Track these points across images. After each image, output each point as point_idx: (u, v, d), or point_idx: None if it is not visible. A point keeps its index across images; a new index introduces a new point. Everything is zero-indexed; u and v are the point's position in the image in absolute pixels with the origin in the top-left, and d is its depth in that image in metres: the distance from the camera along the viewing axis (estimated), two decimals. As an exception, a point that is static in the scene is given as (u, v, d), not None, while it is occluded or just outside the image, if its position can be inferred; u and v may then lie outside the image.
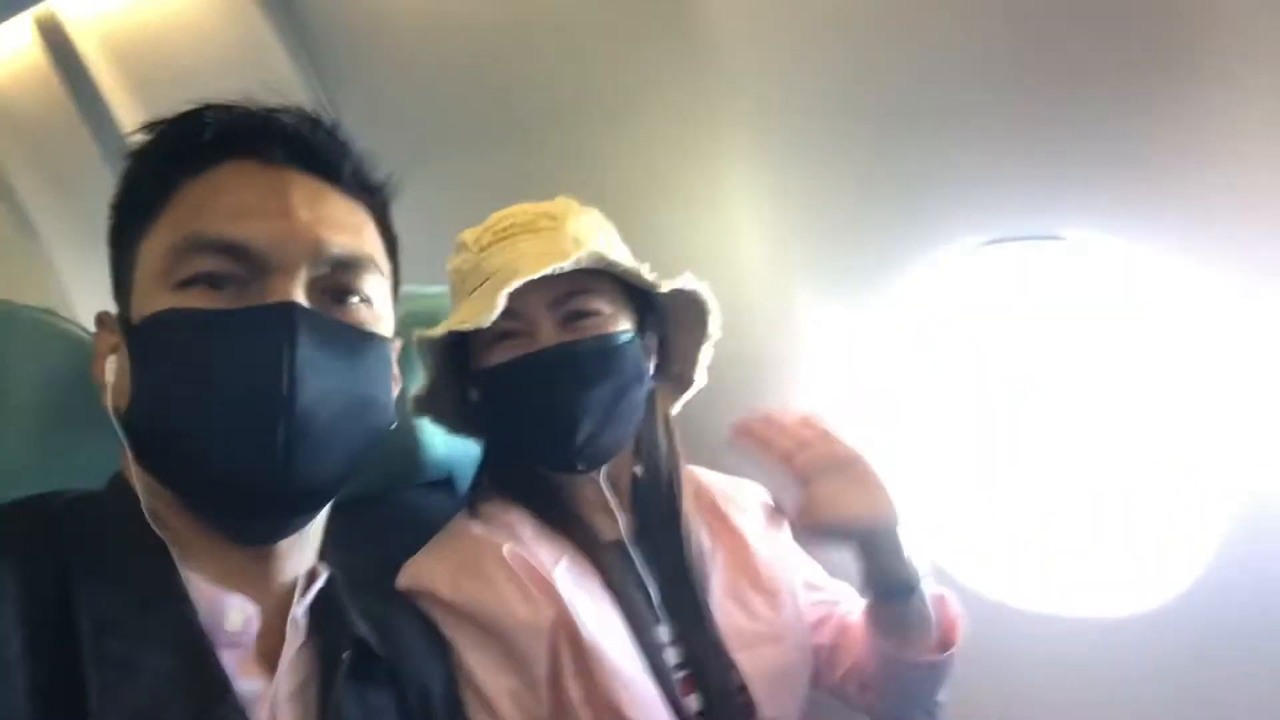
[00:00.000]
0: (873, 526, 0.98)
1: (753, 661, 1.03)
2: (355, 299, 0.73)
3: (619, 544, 1.05)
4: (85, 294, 2.73)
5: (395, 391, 0.81)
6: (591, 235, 1.03)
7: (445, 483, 1.27)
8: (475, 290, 1.00)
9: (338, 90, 1.84)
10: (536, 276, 0.92)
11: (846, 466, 0.99)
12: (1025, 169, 1.22)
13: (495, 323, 0.93)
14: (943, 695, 1.08)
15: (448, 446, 1.24)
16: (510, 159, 1.73)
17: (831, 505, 0.97)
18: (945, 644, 1.04)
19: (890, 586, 1.01)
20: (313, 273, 0.69)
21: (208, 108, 0.71)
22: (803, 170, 1.39)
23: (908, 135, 1.27)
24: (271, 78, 1.86)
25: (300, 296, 0.67)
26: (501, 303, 0.91)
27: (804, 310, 1.50)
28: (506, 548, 0.97)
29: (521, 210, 1.05)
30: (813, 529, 1.00)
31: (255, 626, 0.70)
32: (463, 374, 1.06)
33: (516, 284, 0.92)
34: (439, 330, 0.98)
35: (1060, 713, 1.41)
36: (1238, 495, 1.24)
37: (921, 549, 1.01)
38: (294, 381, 0.64)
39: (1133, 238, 1.21)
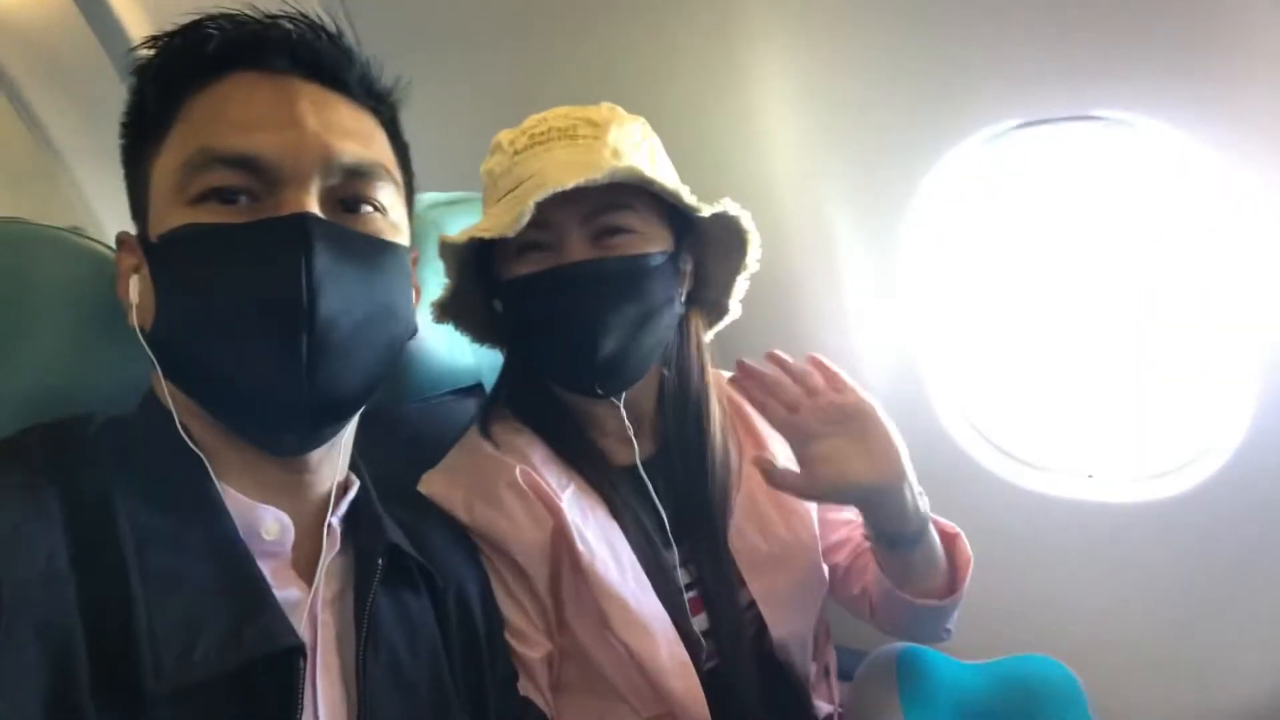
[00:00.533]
0: (875, 488, 0.94)
1: (765, 584, 1.03)
2: (369, 208, 0.72)
3: (632, 469, 1.03)
4: (110, 212, 2.74)
5: (415, 301, 0.81)
6: (632, 148, 0.98)
7: (476, 389, 1.28)
8: (506, 195, 0.96)
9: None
10: (567, 189, 0.87)
11: (853, 420, 0.94)
12: (1058, 48, 1.17)
13: (522, 232, 0.89)
14: (954, 621, 1.08)
15: (476, 354, 1.24)
16: (530, 63, 1.68)
17: (833, 465, 0.93)
18: (953, 587, 1.03)
19: (893, 537, 0.99)
20: (325, 183, 0.68)
21: (209, 19, 0.70)
22: (834, 70, 1.35)
23: (937, 20, 1.22)
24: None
25: (314, 207, 0.67)
26: (528, 213, 0.87)
27: (838, 226, 1.47)
28: (519, 470, 0.96)
29: (561, 114, 0.99)
30: (811, 490, 0.96)
31: (291, 536, 0.71)
32: (487, 282, 1.03)
33: (545, 194, 0.87)
34: (462, 236, 0.94)
35: (1097, 597, 1.43)
36: (1269, 373, 1.24)
37: (923, 498, 0.98)
38: (313, 292, 0.64)
39: (1169, 119, 1.17)
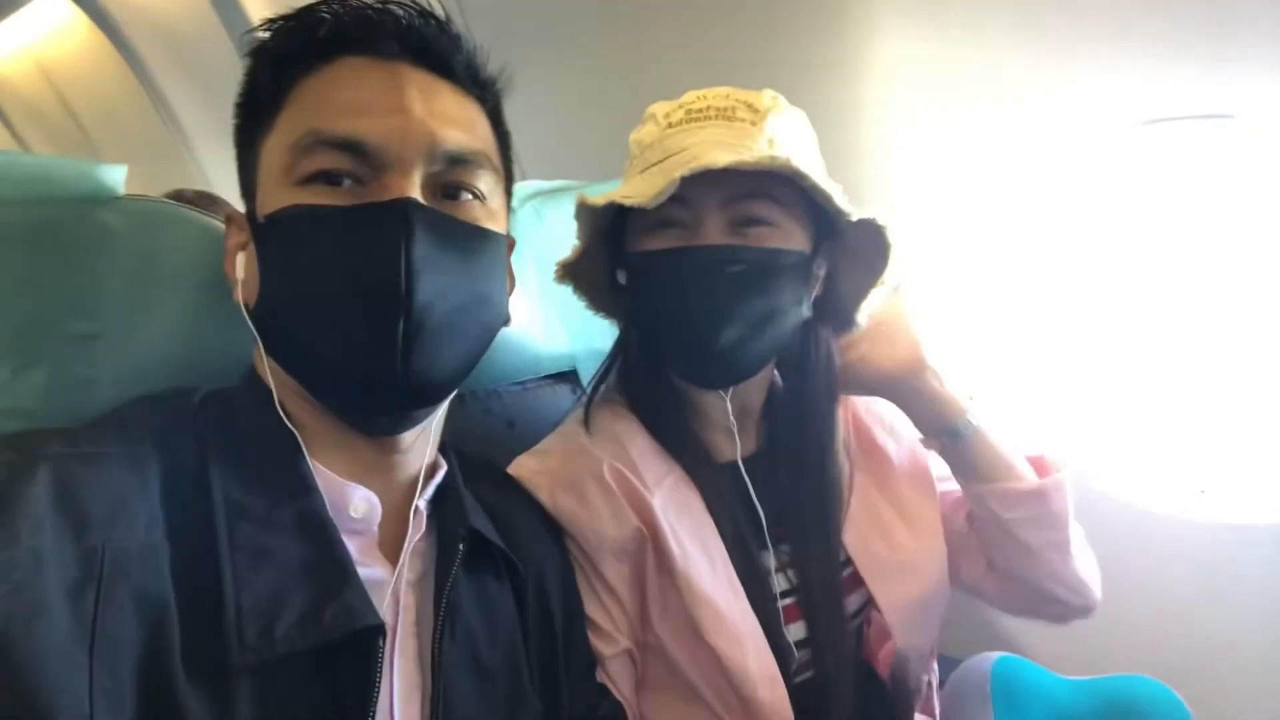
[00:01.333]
0: (896, 376, 1.02)
1: (891, 592, 1.00)
2: (469, 195, 0.73)
3: (733, 465, 1.01)
4: (229, 190, 2.86)
5: (510, 290, 0.82)
6: (789, 139, 0.93)
7: (570, 375, 1.29)
8: (652, 166, 0.92)
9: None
10: (717, 167, 0.83)
11: (878, 326, 1.03)
12: (1193, 44, 1.11)
13: (661, 207, 0.86)
14: (1079, 576, 1.01)
15: (571, 341, 1.25)
16: (635, 55, 1.68)
17: (861, 362, 1.02)
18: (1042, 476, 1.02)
19: (942, 429, 1.02)
20: (428, 169, 0.69)
21: (322, 3, 0.71)
22: (964, 58, 1.31)
23: (1071, 12, 1.17)
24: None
25: (416, 192, 0.67)
26: (673, 186, 0.84)
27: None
28: (607, 465, 0.94)
29: (722, 94, 0.95)
30: (843, 380, 1.03)
31: (378, 515, 0.72)
32: (615, 251, 1.00)
33: (694, 169, 0.83)
34: (601, 199, 0.91)
35: (1205, 618, 1.36)
36: None
37: (970, 400, 1.04)
38: (411, 277, 0.65)
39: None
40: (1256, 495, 1.33)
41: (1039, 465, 1.04)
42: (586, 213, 0.94)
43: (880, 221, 0.94)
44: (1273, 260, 1.30)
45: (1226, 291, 1.35)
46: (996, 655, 1.09)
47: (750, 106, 0.93)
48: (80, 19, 3.09)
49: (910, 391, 1.02)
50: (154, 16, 2.87)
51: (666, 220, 0.91)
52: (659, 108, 0.97)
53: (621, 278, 0.98)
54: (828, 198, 0.89)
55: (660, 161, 0.91)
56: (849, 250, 0.99)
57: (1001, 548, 1.03)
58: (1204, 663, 1.33)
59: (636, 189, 0.88)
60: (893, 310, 1.03)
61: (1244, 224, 1.31)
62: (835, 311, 1.05)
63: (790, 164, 0.85)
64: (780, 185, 0.89)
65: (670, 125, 0.94)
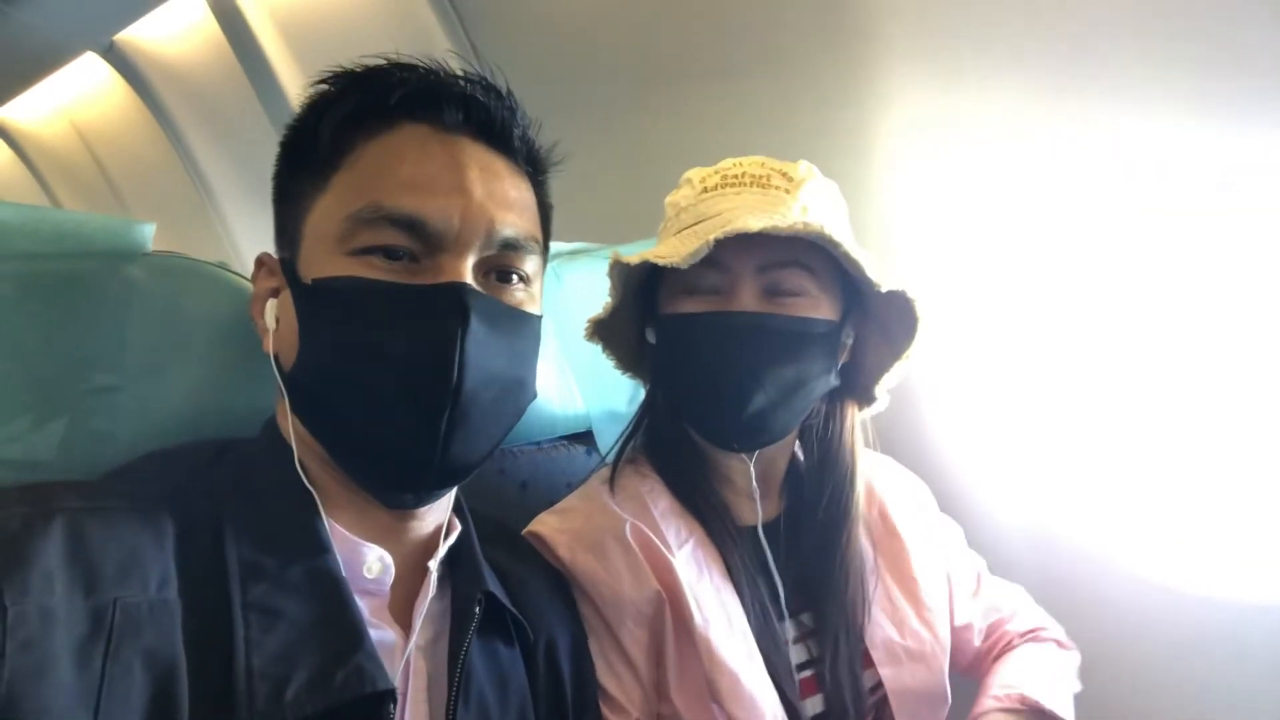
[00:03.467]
0: None
1: (899, 678, 0.98)
2: (516, 278, 0.74)
3: (753, 530, 1.00)
4: (253, 251, 2.91)
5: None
6: (822, 208, 0.95)
7: (585, 435, 1.29)
8: (685, 230, 0.93)
9: (481, 44, 1.87)
10: (752, 231, 0.85)
11: None
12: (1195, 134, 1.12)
13: (694, 269, 0.88)
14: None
15: (586, 402, 1.25)
16: (655, 120, 1.71)
17: None
18: None
19: None
20: (482, 254, 0.70)
21: (392, 66, 0.72)
22: (964, 134, 1.32)
23: (1081, 94, 1.18)
24: (423, 37, 1.91)
25: (469, 277, 0.68)
26: (707, 248, 0.85)
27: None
28: (629, 525, 0.93)
29: (758, 162, 0.97)
30: None
31: (391, 575, 0.71)
32: (647, 310, 1.01)
33: (729, 232, 0.85)
34: (635, 258, 0.92)
35: (1236, 698, 1.32)
36: None
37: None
38: (463, 367, 0.65)
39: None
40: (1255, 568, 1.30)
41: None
42: (620, 271, 0.95)
43: (911, 294, 0.94)
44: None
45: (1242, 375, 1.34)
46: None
47: (785, 175, 0.95)
48: (116, 81, 3.18)
49: None
50: (188, 81, 2.95)
51: (700, 284, 0.92)
52: (695, 173, 0.99)
53: (651, 337, 0.99)
54: (859, 267, 0.89)
55: (695, 225, 0.93)
56: (876, 322, 1.00)
57: None
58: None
59: (671, 249, 0.90)
60: None
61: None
62: (856, 383, 1.05)
63: (824, 231, 0.86)
64: (812, 254, 0.90)
65: (706, 190, 0.95)
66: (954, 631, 1.07)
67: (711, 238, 0.85)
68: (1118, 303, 1.37)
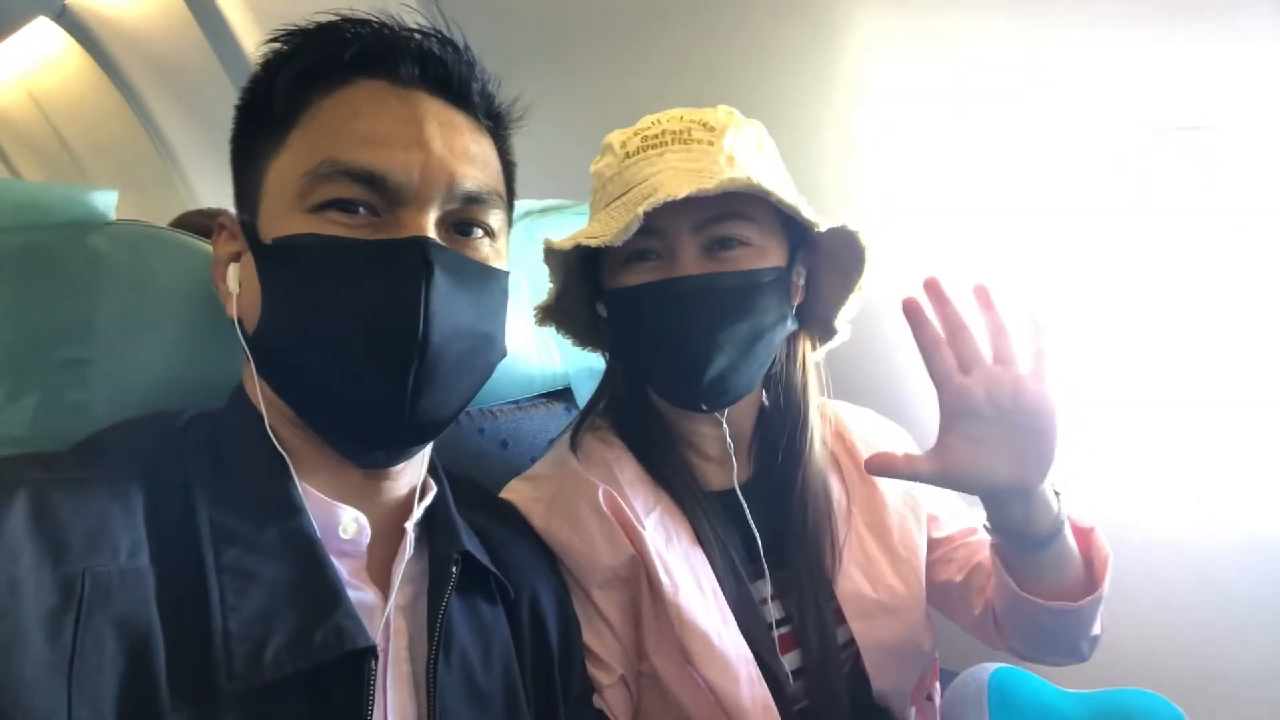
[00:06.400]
0: (1013, 490, 0.84)
1: (870, 632, 0.97)
2: (479, 232, 0.73)
3: (727, 492, 0.99)
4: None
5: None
6: (749, 154, 0.92)
7: (565, 393, 1.29)
8: (615, 201, 0.91)
9: (448, 2, 1.83)
10: (679, 198, 0.82)
11: (1027, 414, 0.80)
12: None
13: (632, 240, 0.85)
14: (1097, 628, 0.94)
15: (565, 359, 1.25)
16: (622, 69, 1.69)
17: (979, 454, 0.82)
18: (1091, 586, 0.89)
19: (1020, 537, 0.87)
20: (444, 207, 0.69)
21: (345, 21, 0.70)
22: (950, 67, 1.31)
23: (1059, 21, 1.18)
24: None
25: (432, 231, 0.68)
26: (637, 223, 0.83)
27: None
28: (602, 490, 0.93)
29: (675, 116, 0.94)
30: (938, 472, 0.84)
31: (367, 536, 0.71)
32: (592, 286, 0.99)
33: (654, 204, 0.82)
34: (567, 242, 0.90)
35: (1206, 630, 1.36)
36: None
37: (1061, 491, 0.87)
38: (428, 322, 0.65)
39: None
40: (1254, 504, 1.33)
41: (1086, 541, 0.92)
42: (555, 256, 0.92)
43: (852, 227, 0.92)
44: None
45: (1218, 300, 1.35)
46: (994, 666, 1.07)
47: (705, 125, 0.92)
48: (72, 47, 3.10)
49: (1017, 501, 0.85)
50: (145, 44, 2.88)
51: (640, 252, 0.90)
52: (615, 137, 0.96)
53: (602, 310, 0.98)
54: (795, 210, 0.87)
55: (622, 195, 0.91)
56: (826, 255, 0.98)
57: (1021, 629, 0.97)
58: (1204, 675, 1.32)
59: (601, 228, 0.88)
60: (1048, 401, 0.80)
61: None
62: (815, 318, 1.03)
63: (751, 182, 0.83)
64: (748, 201, 0.87)
65: (628, 155, 0.93)
66: (951, 586, 1.04)
67: (639, 210, 0.82)
68: (1115, 245, 1.37)
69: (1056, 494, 0.87)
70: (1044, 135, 1.30)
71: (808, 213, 0.88)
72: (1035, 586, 0.89)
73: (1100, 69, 1.20)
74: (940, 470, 0.84)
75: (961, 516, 1.08)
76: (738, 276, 0.88)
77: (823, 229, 0.89)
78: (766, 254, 0.91)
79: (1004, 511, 0.87)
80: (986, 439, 0.82)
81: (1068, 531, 0.89)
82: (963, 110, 1.34)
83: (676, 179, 0.86)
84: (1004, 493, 0.85)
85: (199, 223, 1.76)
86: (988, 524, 0.91)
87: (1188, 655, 1.35)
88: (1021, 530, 0.87)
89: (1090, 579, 0.90)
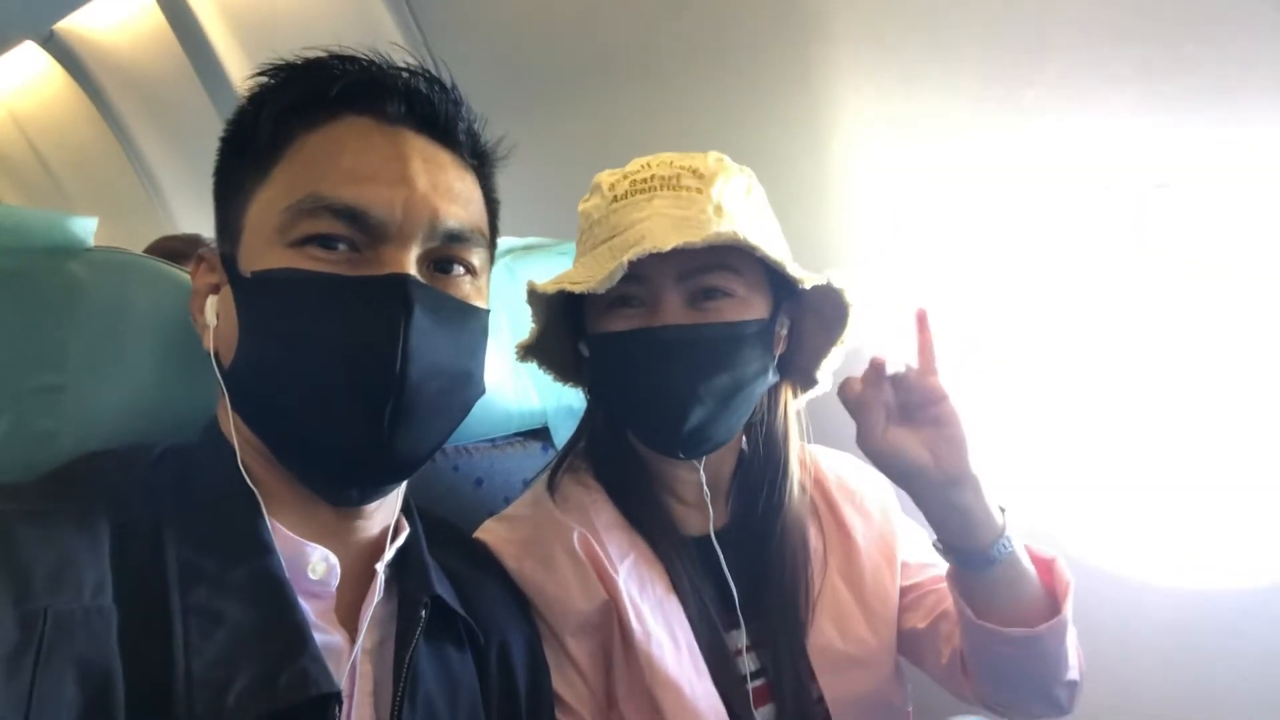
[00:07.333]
0: (930, 480, 0.87)
1: (839, 685, 0.96)
2: (461, 270, 0.73)
3: (705, 539, 0.97)
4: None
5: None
6: (737, 202, 0.92)
7: (541, 432, 1.28)
8: (601, 245, 0.91)
9: (434, 37, 1.86)
10: (665, 250, 0.82)
11: (928, 405, 0.87)
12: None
13: (616, 286, 0.85)
14: (1073, 672, 0.93)
15: (543, 398, 1.25)
16: (607, 111, 1.71)
17: (893, 440, 0.88)
18: (1053, 612, 0.89)
19: (964, 553, 0.89)
20: (425, 245, 0.69)
21: (333, 58, 0.71)
22: (923, 128, 1.34)
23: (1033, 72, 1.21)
24: (375, 29, 1.89)
25: (413, 268, 0.67)
26: (621, 271, 0.83)
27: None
28: (577, 534, 0.92)
29: (665, 161, 0.93)
30: (868, 439, 0.89)
31: (337, 577, 0.70)
32: (575, 326, 0.98)
33: (640, 253, 0.82)
34: (551, 286, 0.89)
35: (1180, 687, 1.35)
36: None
37: (1010, 515, 0.90)
38: (406, 360, 0.65)
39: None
40: (1241, 558, 1.33)
41: (1047, 571, 0.93)
42: (539, 298, 0.92)
43: (837, 284, 0.92)
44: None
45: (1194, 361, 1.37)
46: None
47: (695, 172, 0.92)
48: (55, 70, 3.10)
49: (944, 499, 0.87)
50: (132, 71, 2.89)
51: (624, 297, 0.90)
52: (605, 178, 0.96)
53: (584, 350, 0.97)
54: (781, 266, 0.87)
55: (608, 240, 0.90)
56: (810, 307, 0.98)
57: (985, 668, 0.96)
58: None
59: (586, 273, 0.88)
60: (942, 390, 0.87)
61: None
62: (797, 368, 1.03)
63: (737, 236, 0.83)
64: (734, 252, 0.87)
65: (616, 198, 0.92)
66: (919, 634, 1.03)
67: (625, 259, 0.82)
68: (1092, 297, 1.39)
69: (1002, 510, 0.89)
70: (1032, 197, 1.33)
71: (793, 269, 0.88)
72: (992, 612, 0.89)
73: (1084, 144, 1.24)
74: (871, 449, 0.89)
75: (931, 565, 1.07)
76: (721, 328, 0.88)
77: (808, 285, 0.89)
78: (750, 306, 0.91)
79: (943, 518, 0.89)
80: (906, 427, 0.88)
81: (1022, 556, 0.90)
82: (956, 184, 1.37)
83: (663, 227, 0.86)
84: (925, 482, 0.87)
85: (172, 247, 1.75)
86: (937, 543, 0.92)
87: (1171, 706, 1.35)
88: (963, 542, 0.88)
89: (1053, 606, 0.90)
